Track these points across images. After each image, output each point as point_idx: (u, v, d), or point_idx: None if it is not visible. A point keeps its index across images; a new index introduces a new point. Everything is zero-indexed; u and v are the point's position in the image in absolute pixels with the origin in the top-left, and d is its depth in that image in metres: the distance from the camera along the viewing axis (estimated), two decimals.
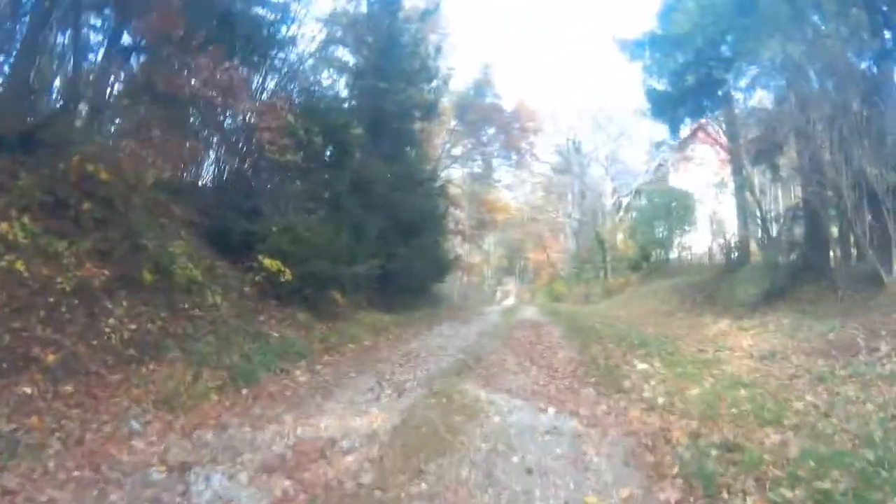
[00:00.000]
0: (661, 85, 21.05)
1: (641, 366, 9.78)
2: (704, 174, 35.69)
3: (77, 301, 7.04)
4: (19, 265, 6.60)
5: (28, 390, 5.54)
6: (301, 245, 11.53)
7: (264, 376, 8.36)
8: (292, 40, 14.90)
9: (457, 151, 39.16)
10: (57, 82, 11.53)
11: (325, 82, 17.75)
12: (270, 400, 7.33)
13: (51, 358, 6.02)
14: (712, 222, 36.16)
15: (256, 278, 11.01)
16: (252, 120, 11.93)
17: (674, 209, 34.38)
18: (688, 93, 19.47)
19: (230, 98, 10.59)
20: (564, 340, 13.75)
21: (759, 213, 21.99)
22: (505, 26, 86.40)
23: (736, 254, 23.96)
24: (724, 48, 17.55)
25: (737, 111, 22.94)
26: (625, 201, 49.49)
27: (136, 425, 5.72)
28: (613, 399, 7.49)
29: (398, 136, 18.26)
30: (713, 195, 37.27)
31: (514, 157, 41.24)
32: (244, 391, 7.56)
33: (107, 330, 7.11)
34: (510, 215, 52.56)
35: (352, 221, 14.06)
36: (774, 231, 21.43)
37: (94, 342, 6.83)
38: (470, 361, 10.32)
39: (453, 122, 38.15)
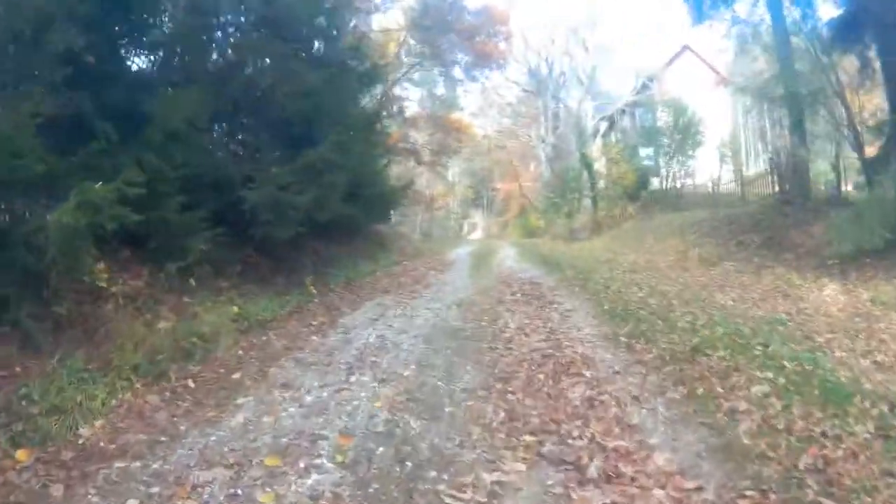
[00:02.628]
0: None
1: None
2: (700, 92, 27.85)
3: None
4: None
5: None
6: None
7: None
8: None
9: (410, 61, 29.91)
10: None
11: None
12: None
13: None
14: (724, 144, 28.36)
15: None
16: None
17: (675, 127, 26.25)
18: None
19: None
20: (624, 353, 5.96)
21: (849, 127, 13.91)
22: None
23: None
24: None
25: None
26: (602, 127, 41.23)
27: None
28: None
29: None
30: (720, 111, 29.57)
31: (482, 72, 31.56)
32: None
33: None
34: (475, 140, 44.04)
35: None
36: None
37: None
38: None
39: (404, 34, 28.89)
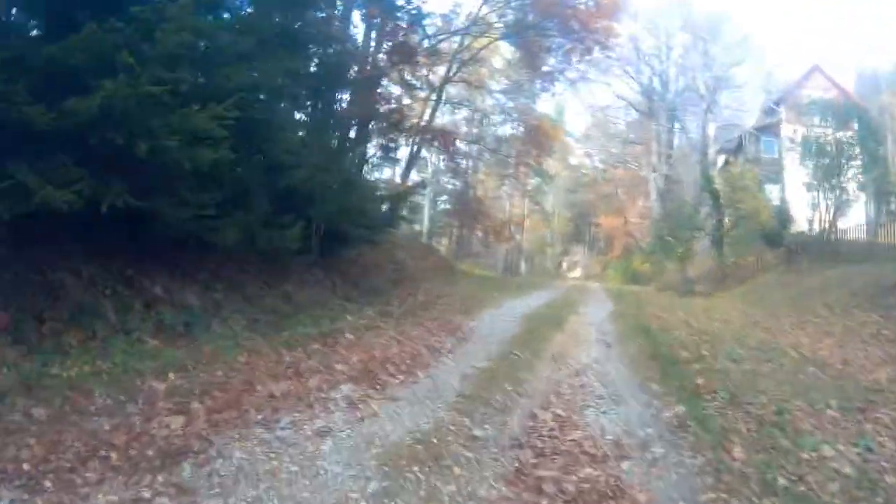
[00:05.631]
0: None
1: None
2: None
3: None
4: None
5: None
6: None
7: None
8: None
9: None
10: None
11: None
12: None
13: None
14: None
15: None
16: None
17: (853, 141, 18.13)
18: None
19: None
20: None
21: None
22: None
23: None
24: None
25: None
26: (721, 159, 33.46)
27: None
28: None
29: None
30: None
31: (583, 60, 23.48)
32: None
33: None
34: (564, 142, 37.04)
35: None
36: None
37: None
38: None
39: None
